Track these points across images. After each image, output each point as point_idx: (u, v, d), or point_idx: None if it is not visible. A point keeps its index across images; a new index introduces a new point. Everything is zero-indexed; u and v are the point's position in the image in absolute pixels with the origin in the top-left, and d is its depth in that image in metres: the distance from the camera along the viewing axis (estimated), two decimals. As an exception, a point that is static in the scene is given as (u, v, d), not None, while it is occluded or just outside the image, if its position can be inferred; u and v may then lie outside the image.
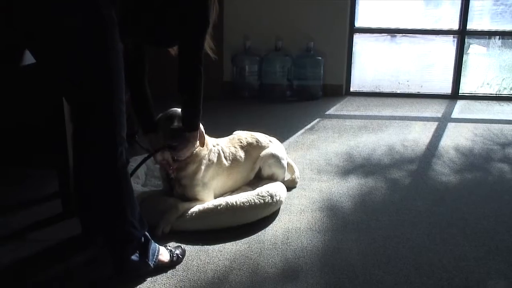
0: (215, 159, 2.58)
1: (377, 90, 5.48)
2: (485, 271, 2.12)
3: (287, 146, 3.62)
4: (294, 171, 3.00)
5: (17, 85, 2.68)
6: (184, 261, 2.14)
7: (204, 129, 2.48)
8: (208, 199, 2.53)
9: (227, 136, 2.86)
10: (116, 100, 1.78)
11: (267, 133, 2.98)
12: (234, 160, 2.68)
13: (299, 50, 5.19)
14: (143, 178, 2.90)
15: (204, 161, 2.52)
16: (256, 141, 2.81)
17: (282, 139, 3.51)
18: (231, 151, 2.69)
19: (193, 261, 2.15)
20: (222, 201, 2.45)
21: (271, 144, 2.86)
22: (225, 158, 2.64)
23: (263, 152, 2.78)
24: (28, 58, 1.93)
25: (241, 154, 2.72)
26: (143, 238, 1.97)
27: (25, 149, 3.08)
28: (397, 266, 2.15)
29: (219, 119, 4.16)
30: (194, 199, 2.50)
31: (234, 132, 2.95)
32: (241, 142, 2.77)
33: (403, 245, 2.33)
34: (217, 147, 2.63)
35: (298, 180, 2.99)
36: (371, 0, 5.37)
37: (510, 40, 5.46)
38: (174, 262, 2.09)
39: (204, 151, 2.52)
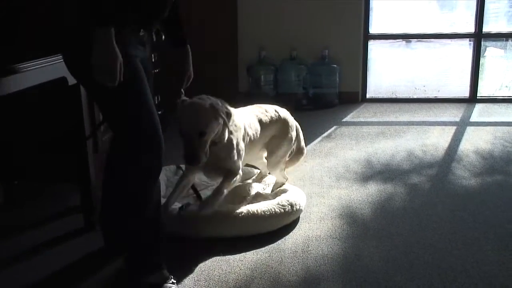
0: (242, 127, 2.53)
1: (394, 96, 5.46)
2: (509, 275, 2.09)
3: (305, 154, 3.62)
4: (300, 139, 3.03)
5: (37, 101, 2.74)
6: (206, 271, 2.16)
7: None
8: (240, 172, 2.52)
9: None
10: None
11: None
12: (255, 132, 2.67)
13: (314, 58, 5.20)
14: (163, 189, 2.93)
15: (235, 129, 2.46)
16: (272, 116, 2.80)
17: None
18: (252, 122, 2.67)
19: (214, 271, 2.17)
20: (244, 209, 2.46)
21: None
22: (249, 127, 2.62)
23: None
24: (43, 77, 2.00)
25: (258, 127, 2.70)
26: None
27: (45, 164, 3.13)
28: (419, 272, 2.14)
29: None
30: (229, 173, 2.45)
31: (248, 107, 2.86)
32: (263, 115, 2.76)
33: (424, 250, 2.31)
34: (241, 120, 2.55)
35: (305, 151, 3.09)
36: (385, 6, 5.38)
37: (527, 42, 5.41)
38: None
39: (232, 122, 2.43)
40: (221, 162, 2.43)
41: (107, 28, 1.67)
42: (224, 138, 2.35)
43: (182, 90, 2.31)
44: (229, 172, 2.46)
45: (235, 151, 2.45)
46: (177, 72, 2.28)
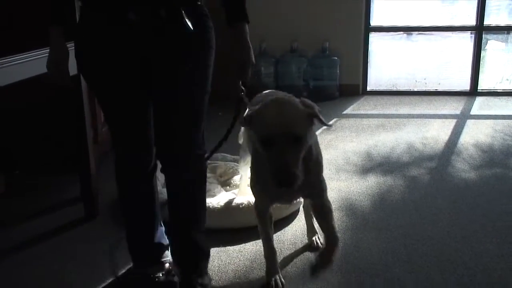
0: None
1: (394, 89, 5.46)
2: (508, 268, 2.10)
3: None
4: None
5: (37, 91, 2.74)
6: (205, 262, 2.17)
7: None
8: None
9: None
10: None
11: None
12: None
13: (315, 50, 5.19)
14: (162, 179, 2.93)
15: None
16: None
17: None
18: None
19: (214, 261, 2.17)
20: (244, 200, 2.46)
21: None
22: None
23: None
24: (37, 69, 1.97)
25: None
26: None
27: (46, 154, 3.15)
28: (418, 264, 2.15)
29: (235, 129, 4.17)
30: (322, 196, 1.90)
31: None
32: None
33: (423, 243, 2.32)
34: None
35: None
36: (386, -1, 5.37)
37: (528, 35, 5.40)
38: None
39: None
40: (309, 184, 1.77)
41: (52, 25, 1.66)
42: (314, 150, 1.77)
43: (240, 85, 1.81)
44: (324, 203, 1.91)
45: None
46: (234, 59, 1.77)
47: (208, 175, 2.43)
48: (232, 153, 3.10)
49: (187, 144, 1.79)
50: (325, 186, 1.89)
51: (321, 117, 1.60)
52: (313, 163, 1.76)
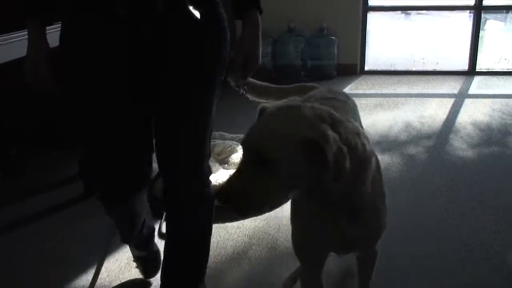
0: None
1: (392, 69, 5.43)
2: (504, 244, 2.12)
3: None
4: None
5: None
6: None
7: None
8: None
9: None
10: None
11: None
12: None
13: (312, 30, 5.14)
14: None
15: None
16: None
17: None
18: None
19: (212, 238, 2.16)
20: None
21: None
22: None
23: None
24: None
25: None
26: None
27: (44, 132, 3.13)
28: (415, 240, 2.16)
29: (234, 105, 4.16)
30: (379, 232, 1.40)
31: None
32: None
33: (421, 220, 2.33)
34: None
35: None
36: (384, -23, 5.32)
37: (527, 14, 5.37)
38: None
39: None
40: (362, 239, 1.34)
41: (28, 19, 1.38)
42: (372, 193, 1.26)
43: (242, 83, 1.55)
44: (375, 252, 1.52)
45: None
46: (240, 51, 1.46)
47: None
48: (230, 132, 3.09)
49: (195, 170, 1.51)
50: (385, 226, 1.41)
51: (327, 151, 1.03)
52: (370, 211, 1.28)
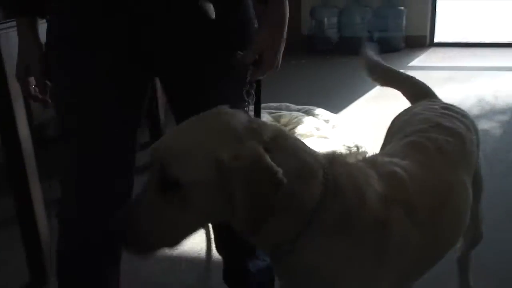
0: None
1: (464, 40, 5.20)
2: None
3: (371, 98, 3.56)
4: None
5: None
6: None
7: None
8: None
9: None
10: None
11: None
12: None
13: (380, 0, 5.00)
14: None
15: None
16: None
17: (365, 91, 3.47)
18: None
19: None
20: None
21: None
22: None
23: None
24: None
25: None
26: None
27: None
28: (488, 215, 2.08)
29: (298, 78, 4.14)
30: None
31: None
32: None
33: (494, 196, 2.24)
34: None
35: None
36: None
37: None
38: None
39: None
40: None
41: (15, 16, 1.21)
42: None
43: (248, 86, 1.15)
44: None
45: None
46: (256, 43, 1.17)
47: (273, 124, 2.41)
48: (296, 103, 3.08)
49: None
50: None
51: (233, 180, 0.80)
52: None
